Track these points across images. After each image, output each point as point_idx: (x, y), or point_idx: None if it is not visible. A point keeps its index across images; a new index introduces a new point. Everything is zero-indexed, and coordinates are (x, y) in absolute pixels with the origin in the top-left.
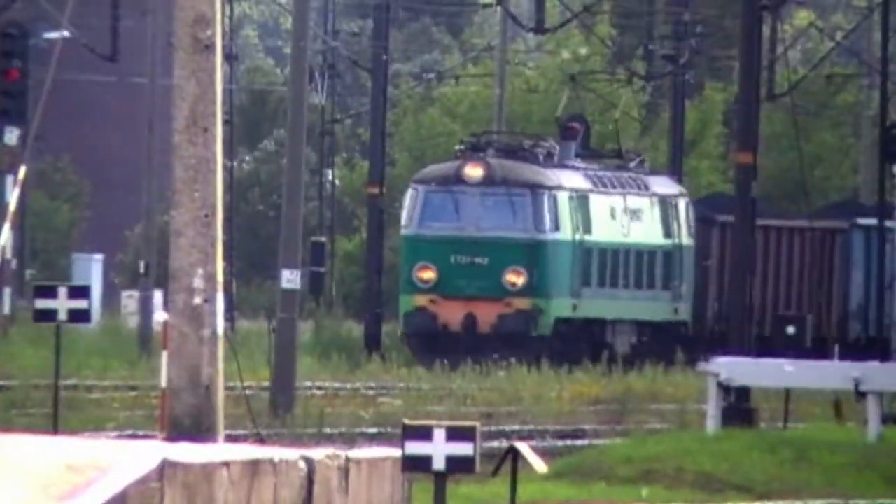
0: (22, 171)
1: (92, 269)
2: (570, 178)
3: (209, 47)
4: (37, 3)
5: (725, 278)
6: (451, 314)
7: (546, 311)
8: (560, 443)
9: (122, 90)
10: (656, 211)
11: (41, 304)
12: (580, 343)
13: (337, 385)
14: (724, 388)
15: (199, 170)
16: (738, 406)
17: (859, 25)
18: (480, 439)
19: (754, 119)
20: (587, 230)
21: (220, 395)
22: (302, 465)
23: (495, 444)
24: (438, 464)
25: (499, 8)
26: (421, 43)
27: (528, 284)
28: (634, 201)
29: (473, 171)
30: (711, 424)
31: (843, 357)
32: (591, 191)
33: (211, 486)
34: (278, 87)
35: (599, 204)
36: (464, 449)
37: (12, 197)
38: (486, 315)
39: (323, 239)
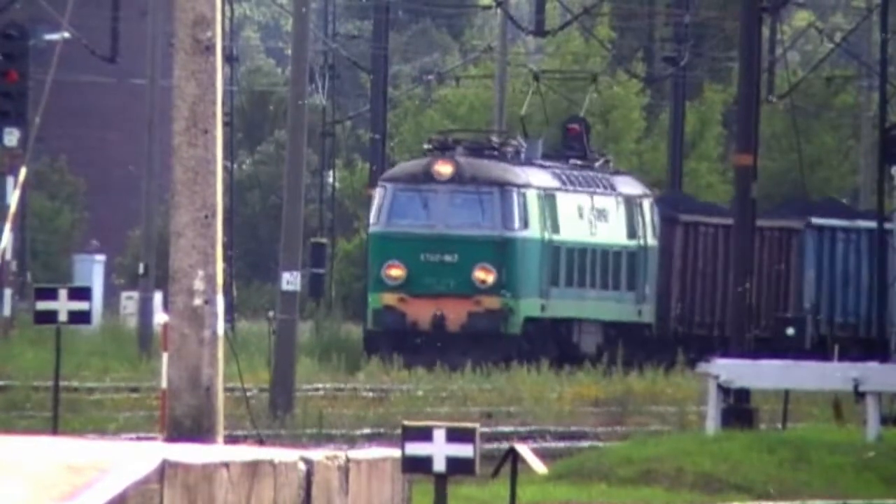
0: (22, 172)
1: (93, 271)
2: (539, 177)
3: (209, 48)
4: (36, 4)
5: (688, 279)
6: (421, 312)
7: (515, 310)
8: (560, 444)
9: (122, 91)
10: (621, 211)
11: (42, 305)
12: (548, 343)
13: (336, 386)
14: (724, 390)
15: (199, 171)
16: (738, 407)
17: (858, 27)
18: (480, 440)
19: (754, 120)
20: (555, 229)
21: (220, 396)
22: (301, 465)
23: (495, 445)
24: (439, 465)
25: (499, 10)
26: (421, 44)
27: (498, 282)
28: (600, 201)
29: (442, 169)
30: (711, 425)
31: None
32: (559, 189)
33: (211, 487)
34: (279, 88)
35: (567, 203)
36: (464, 450)
37: (13, 198)
38: (456, 313)
39: (323, 240)
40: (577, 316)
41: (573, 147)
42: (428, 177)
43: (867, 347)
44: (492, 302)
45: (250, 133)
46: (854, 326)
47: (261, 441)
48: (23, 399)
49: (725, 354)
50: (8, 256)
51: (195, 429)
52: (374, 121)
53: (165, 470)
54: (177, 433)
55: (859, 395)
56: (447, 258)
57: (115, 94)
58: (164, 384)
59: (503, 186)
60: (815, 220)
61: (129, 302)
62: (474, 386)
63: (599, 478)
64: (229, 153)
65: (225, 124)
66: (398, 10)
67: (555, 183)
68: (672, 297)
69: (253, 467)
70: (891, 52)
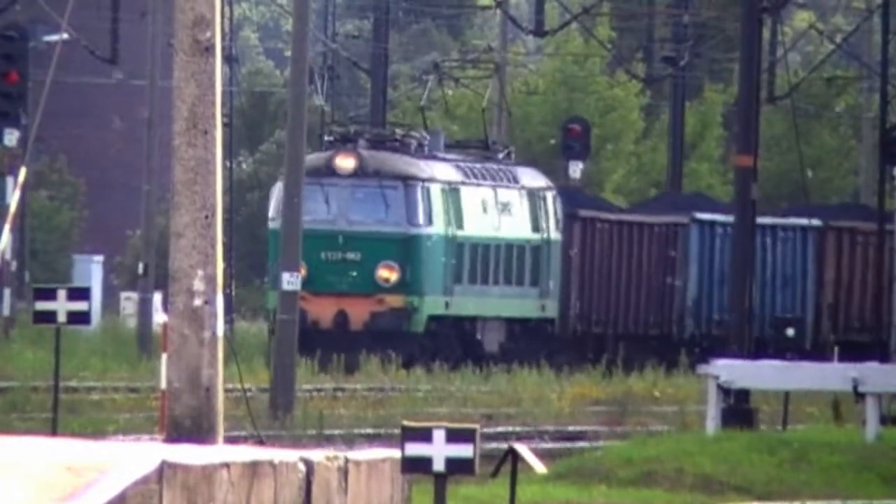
0: (22, 172)
1: (92, 271)
2: (443, 170)
3: (209, 49)
4: (36, 5)
5: (586, 275)
6: (322, 311)
7: (419, 308)
8: (560, 444)
9: (122, 92)
10: (525, 204)
11: (41, 305)
12: (452, 341)
13: (336, 386)
14: (724, 390)
15: (199, 171)
16: (738, 407)
17: (859, 27)
18: (480, 441)
19: (754, 121)
20: (459, 224)
21: (220, 396)
22: (301, 466)
23: (495, 445)
24: (438, 465)
25: (498, 10)
26: (420, 44)
27: (401, 281)
28: (504, 194)
29: (344, 163)
30: (711, 426)
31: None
32: (463, 183)
33: (210, 488)
34: (278, 88)
35: (471, 197)
36: (463, 450)
37: (13, 199)
38: (358, 312)
39: None
40: (480, 313)
41: (571, 147)
42: (329, 170)
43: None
44: (395, 300)
45: (250, 133)
46: (728, 324)
47: (261, 442)
48: (22, 400)
49: (723, 355)
50: (7, 256)
51: (195, 429)
52: (374, 121)
53: (165, 470)
54: (177, 434)
55: (859, 396)
56: (349, 256)
57: (115, 94)
58: (163, 385)
59: (407, 181)
60: (699, 216)
61: (128, 302)
62: (473, 387)
63: (599, 478)
64: (229, 153)
65: (225, 125)
66: (398, 10)
67: (458, 176)
68: (572, 294)
69: (253, 468)
70: (891, 53)
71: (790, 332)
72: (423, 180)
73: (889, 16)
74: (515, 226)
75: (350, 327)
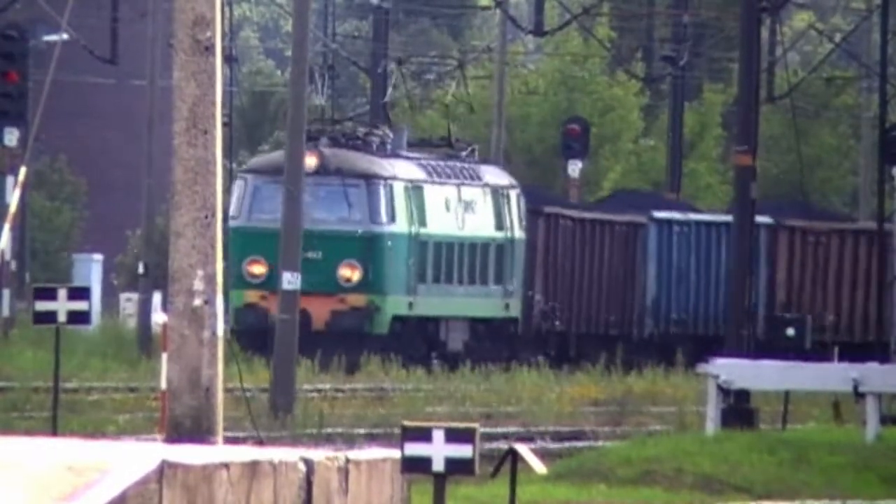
0: (22, 172)
1: (92, 271)
2: (405, 168)
3: (209, 49)
4: (36, 4)
5: (550, 272)
6: None
7: (382, 308)
8: (560, 444)
9: (122, 92)
10: (489, 202)
11: (41, 305)
12: (416, 342)
13: (336, 386)
14: (724, 390)
15: (199, 171)
16: (738, 407)
17: (858, 27)
18: (480, 440)
19: (753, 121)
20: (422, 223)
21: (220, 396)
22: (301, 466)
23: (494, 445)
24: (438, 465)
25: (498, 10)
26: (420, 44)
27: (364, 280)
28: (468, 192)
29: (306, 161)
30: (711, 426)
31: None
32: (426, 181)
33: (210, 488)
34: (278, 88)
35: (434, 195)
36: (463, 450)
37: (12, 198)
38: (320, 312)
39: None
40: (444, 313)
41: (570, 146)
42: None
43: (703, 344)
44: (357, 300)
45: (250, 133)
46: (685, 322)
47: (260, 441)
48: (22, 400)
49: (721, 354)
50: (7, 256)
51: (195, 429)
52: (373, 121)
53: (165, 470)
54: (176, 434)
55: (859, 396)
56: (311, 255)
57: (115, 94)
58: (163, 385)
59: (369, 179)
60: (658, 214)
61: (128, 303)
62: (473, 386)
63: (599, 478)
64: (229, 153)
65: (225, 124)
66: (398, 10)
67: (421, 174)
68: (535, 292)
69: (253, 468)
70: (890, 52)
71: (790, 331)
72: (386, 178)
73: (888, 15)
74: (479, 224)
75: (311, 327)
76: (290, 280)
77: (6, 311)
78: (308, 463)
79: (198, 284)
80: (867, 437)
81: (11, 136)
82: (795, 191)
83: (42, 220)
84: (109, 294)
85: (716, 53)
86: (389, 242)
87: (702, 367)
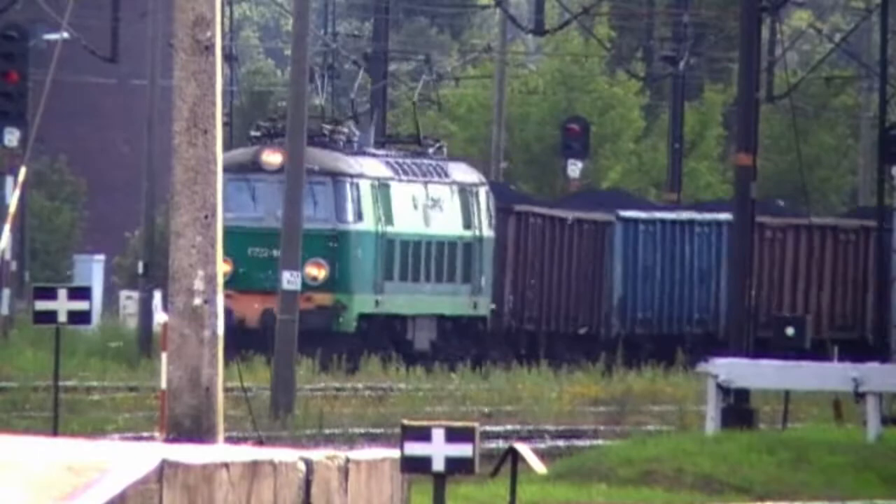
0: (22, 172)
1: (92, 270)
2: (372, 166)
3: (209, 49)
4: (36, 4)
5: (520, 270)
6: (248, 309)
7: (349, 306)
8: (560, 444)
9: (122, 92)
10: (456, 200)
11: (41, 305)
12: (383, 340)
13: (336, 386)
14: (724, 390)
15: (199, 171)
16: (738, 407)
17: (858, 27)
18: (480, 440)
19: (753, 121)
20: (389, 220)
21: (220, 396)
22: (301, 466)
23: (494, 444)
24: (438, 465)
25: (498, 9)
26: (420, 44)
27: (330, 278)
28: (435, 190)
29: (271, 158)
30: (711, 426)
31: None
32: (393, 179)
33: (210, 488)
34: (279, 88)
35: (401, 193)
36: (463, 450)
37: (12, 198)
38: None
39: None
40: (411, 311)
41: (570, 146)
42: (256, 166)
43: (661, 343)
44: (323, 298)
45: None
46: (650, 322)
47: (260, 441)
48: (22, 399)
49: (721, 354)
50: (7, 256)
51: (195, 429)
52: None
53: (165, 470)
54: (177, 433)
55: (859, 396)
56: (276, 253)
57: (116, 94)
58: (163, 384)
59: (336, 177)
60: (623, 213)
61: (128, 302)
62: (473, 386)
63: (599, 478)
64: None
65: (225, 124)
66: (398, 9)
67: (388, 172)
68: (505, 290)
69: (253, 467)
70: (890, 52)
71: (790, 331)
72: (352, 176)
73: (888, 15)
74: (446, 222)
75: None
76: (290, 280)
77: (6, 311)
78: (308, 463)
79: (198, 284)
80: (868, 438)
81: (11, 136)
82: (797, 191)
83: (42, 220)
84: (110, 294)
85: (716, 53)
86: (356, 241)
87: (701, 367)
